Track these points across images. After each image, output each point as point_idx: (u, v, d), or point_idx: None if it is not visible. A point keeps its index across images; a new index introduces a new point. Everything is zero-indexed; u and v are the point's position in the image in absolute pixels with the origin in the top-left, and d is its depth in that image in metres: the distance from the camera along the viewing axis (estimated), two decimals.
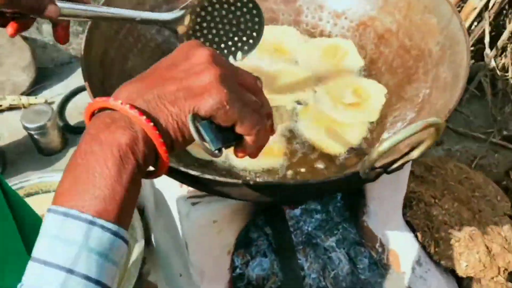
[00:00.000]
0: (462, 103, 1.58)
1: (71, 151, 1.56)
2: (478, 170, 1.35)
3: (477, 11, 1.44)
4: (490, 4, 1.44)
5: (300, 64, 1.04)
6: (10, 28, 0.68)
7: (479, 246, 1.12)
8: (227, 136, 0.49)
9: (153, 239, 1.26)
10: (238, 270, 1.09)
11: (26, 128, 1.47)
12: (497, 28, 1.56)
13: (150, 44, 1.03)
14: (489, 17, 1.45)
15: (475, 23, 1.51)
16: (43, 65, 1.77)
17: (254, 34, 0.83)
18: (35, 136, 1.49)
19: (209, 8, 0.79)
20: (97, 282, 0.41)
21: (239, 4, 0.80)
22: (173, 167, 0.66)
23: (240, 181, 0.67)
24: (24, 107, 1.65)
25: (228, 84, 0.48)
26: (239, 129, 0.49)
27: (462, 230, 1.15)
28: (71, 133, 1.61)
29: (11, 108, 1.66)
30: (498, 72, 1.55)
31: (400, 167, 0.70)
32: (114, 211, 0.43)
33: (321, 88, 1.00)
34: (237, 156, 0.53)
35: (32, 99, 1.67)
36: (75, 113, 1.67)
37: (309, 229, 1.19)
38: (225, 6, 0.80)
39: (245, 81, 0.51)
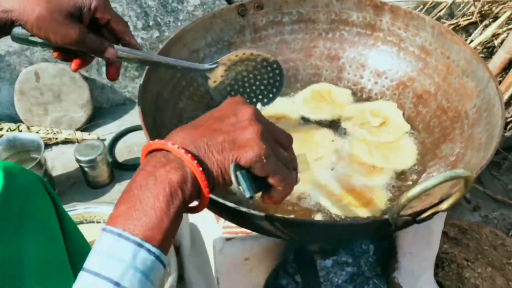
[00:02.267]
0: (501, 170, 1.57)
1: (117, 186, 1.64)
2: None
3: None
4: None
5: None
6: (74, 64, 0.79)
7: None
8: (260, 185, 0.56)
9: (185, 276, 1.29)
10: None
11: (78, 161, 1.57)
12: None
13: (200, 89, 1.10)
14: None
15: None
16: (100, 104, 1.90)
17: (274, 90, 0.97)
18: (85, 169, 1.58)
19: (240, 65, 0.93)
20: None
21: (265, 64, 0.93)
22: (212, 199, 0.71)
23: (272, 215, 0.71)
24: (78, 142, 1.76)
25: (266, 140, 0.55)
26: (271, 180, 0.55)
27: None
28: (119, 169, 1.70)
29: (65, 141, 1.78)
30: None
31: (430, 217, 0.72)
32: (159, 238, 0.49)
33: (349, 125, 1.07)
34: (263, 201, 0.59)
35: (85, 135, 1.78)
36: (124, 151, 1.76)
37: (339, 281, 1.19)
38: (253, 64, 0.93)
39: (279, 138, 0.58)
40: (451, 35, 1.01)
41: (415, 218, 0.72)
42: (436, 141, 0.99)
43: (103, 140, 1.79)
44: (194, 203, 0.57)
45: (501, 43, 1.53)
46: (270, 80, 0.95)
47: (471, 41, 1.59)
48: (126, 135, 1.82)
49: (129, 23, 1.69)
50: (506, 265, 1.19)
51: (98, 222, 1.46)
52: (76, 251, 0.90)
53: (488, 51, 1.69)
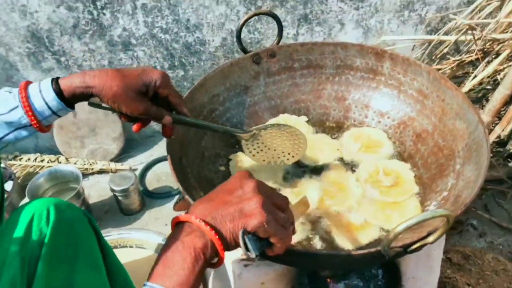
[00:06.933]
0: (507, 199, 1.66)
1: (147, 213, 1.78)
2: None
3: None
4: None
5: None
6: (136, 126, 0.96)
7: None
8: (263, 243, 0.69)
9: None
10: None
11: (112, 190, 1.71)
12: None
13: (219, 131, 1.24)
14: None
15: None
16: (131, 136, 2.06)
17: (297, 153, 1.09)
18: (119, 197, 1.72)
19: (269, 131, 1.11)
20: None
21: (289, 131, 1.11)
22: None
23: None
24: (112, 172, 1.92)
25: (267, 208, 0.68)
26: (272, 239, 0.69)
27: None
28: (149, 197, 1.84)
29: (100, 171, 1.94)
30: None
31: (418, 249, 0.83)
32: None
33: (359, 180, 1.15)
34: (268, 254, 0.72)
35: (118, 165, 1.94)
36: (153, 180, 1.91)
37: None
38: (279, 131, 1.11)
39: (278, 203, 0.71)
40: (444, 81, 1.12)
41: (405, 250, 0.83)
42: (433, 177, 1.10)
43: (134, 170, 1.93)
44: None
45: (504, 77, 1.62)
46: (295, 146, 1.09)
47: (475, 76, 1.69)
48: (155, 165, 1.97)
49: (156, 64, 1.85)
50: None
51: (130, 247, 1.59)
52: (116, 278, 1.02)
53: (495, 83, 1.78)
